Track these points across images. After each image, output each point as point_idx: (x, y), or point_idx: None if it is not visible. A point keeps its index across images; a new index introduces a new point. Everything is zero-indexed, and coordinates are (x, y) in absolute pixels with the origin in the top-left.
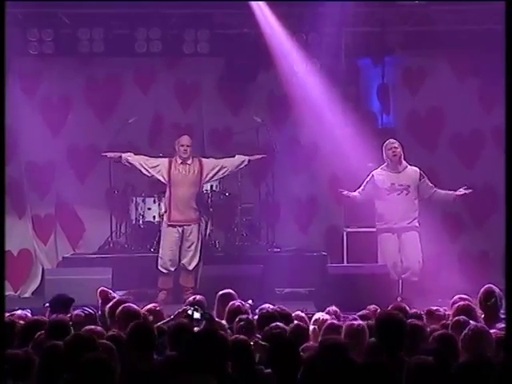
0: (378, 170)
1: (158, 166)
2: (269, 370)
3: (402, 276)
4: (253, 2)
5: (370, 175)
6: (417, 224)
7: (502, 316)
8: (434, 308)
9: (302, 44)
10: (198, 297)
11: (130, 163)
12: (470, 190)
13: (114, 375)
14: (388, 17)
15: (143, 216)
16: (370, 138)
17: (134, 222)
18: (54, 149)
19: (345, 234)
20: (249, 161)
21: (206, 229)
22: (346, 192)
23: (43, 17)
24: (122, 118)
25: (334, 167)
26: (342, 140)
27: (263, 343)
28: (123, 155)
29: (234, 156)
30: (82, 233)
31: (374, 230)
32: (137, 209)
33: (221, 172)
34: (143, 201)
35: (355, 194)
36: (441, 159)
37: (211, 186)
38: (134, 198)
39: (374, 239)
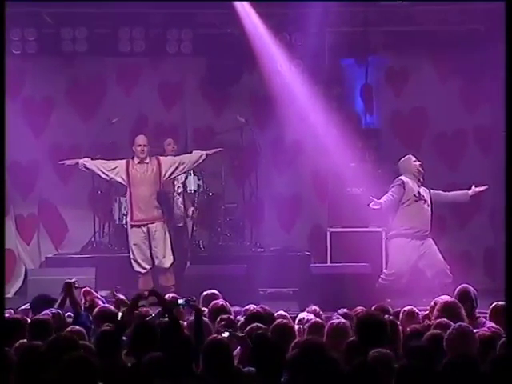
0: (404, 177)
1: (115, 168)
2: (249, 369)
3: (436, 282)
4: (236, 2)
5: (400, 180)
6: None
7: (478, 315)
8: (409, 308)
9: (286, 44)
10: (171, 295)
11: (87, 168)
12: (485, 187)
13: (96, 375)
14: (371, 17)
15: (126, 216)
16: (354, 137)
17: (117, 221)
18: (37, 148)
19: (328, 233)
20: (206, 155)
21: (192, 229)
22: (373, 203)
23: (26, 16)
24: (105, 118)
25: (318, 167)
26: (325, 140)
27: (241, 334)
28: (80, 161)
29: (191, 152)
30: (65, 233)
31: (357, 230)
32: (120, 209)
33: (179, 169)
34: (126, 201)
35: (384, 200)
36: (424, 159)
37: (198, 186)
38: (118, 198)
39: (357, 239)
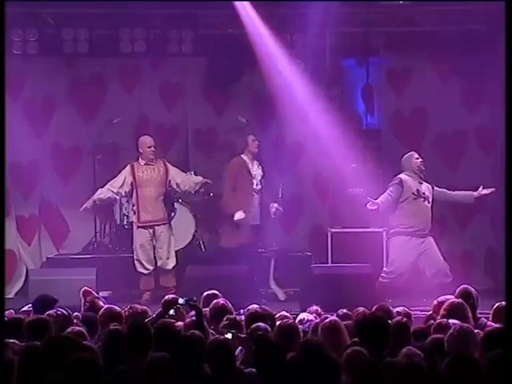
0: (403, 175)
1: (123, 181)
2: (250, 369)
3: (436, 281)
4: (237, 3)
5: (398, 179)
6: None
7: (479, 315)
8: (401, 309)
9: (287, 44)
10: (171, 296)
11: (103, 200)
12: (492, 189)
13: (100, 376)
14: (372, 17)
15: (127, 216)
16: (355, 138)
17: (118, 222)
18: (38, 149)
19: (329, 234)
20: (206, 183)
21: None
22: (370, 203)
23: (27, 17)
24: (106, 119)
25: (319, 167)
26: (326, 140)
27: (243, 335)
28: (95, 197)
29: (197, 175)
30: (66, 233)
31: (358, 230)
32: (121, 209)
33: (182, 186)
34: (127, 201)
35: (381, 200)
36: (425, 159)
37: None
38: (119, 199)
39: (358, 240)
